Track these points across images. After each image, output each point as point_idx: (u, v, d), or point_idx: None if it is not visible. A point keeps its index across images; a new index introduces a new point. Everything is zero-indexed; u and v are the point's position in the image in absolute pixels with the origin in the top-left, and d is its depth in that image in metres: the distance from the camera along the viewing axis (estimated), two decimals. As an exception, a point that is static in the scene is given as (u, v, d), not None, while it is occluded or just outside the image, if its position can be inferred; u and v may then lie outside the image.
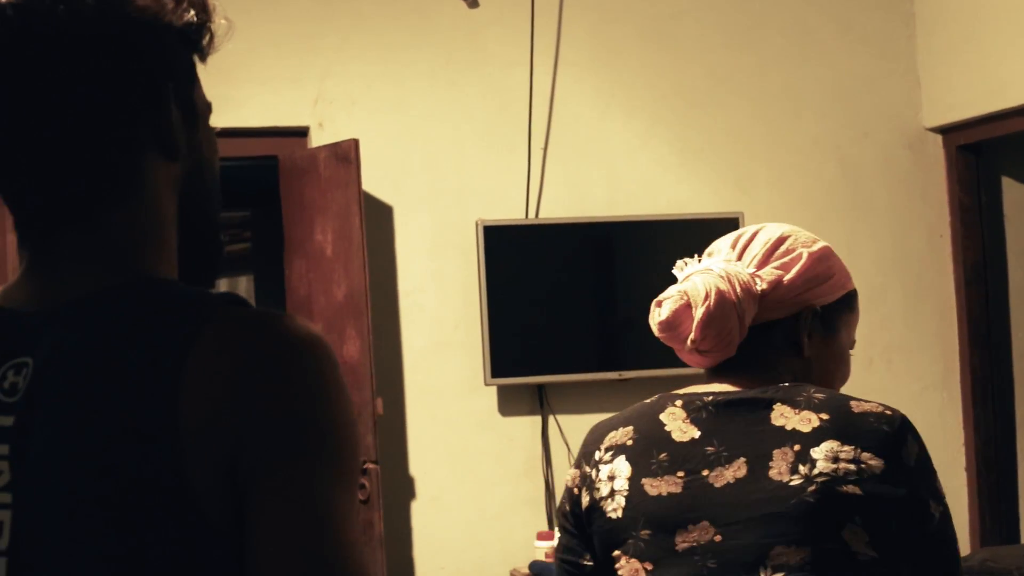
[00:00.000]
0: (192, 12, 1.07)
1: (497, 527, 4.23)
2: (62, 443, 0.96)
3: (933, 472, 1.53)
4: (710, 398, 1.62)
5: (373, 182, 4.19)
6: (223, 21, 1.11)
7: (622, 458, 1.62)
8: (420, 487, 4.23)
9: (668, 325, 1.63)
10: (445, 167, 4.31)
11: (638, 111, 4.48)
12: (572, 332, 4.30)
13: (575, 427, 4.32)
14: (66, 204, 1.05)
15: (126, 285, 1.03)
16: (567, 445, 4.31)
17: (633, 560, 1.58)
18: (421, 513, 4.22)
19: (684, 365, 1.74)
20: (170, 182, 1.09)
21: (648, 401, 1.68)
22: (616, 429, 1.66)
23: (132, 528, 0.94)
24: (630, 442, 1.63)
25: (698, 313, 1.59)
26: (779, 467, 1.51)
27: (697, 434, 1.59)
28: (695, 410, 1.61)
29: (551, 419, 4.31)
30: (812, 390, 1.57)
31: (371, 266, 4.01)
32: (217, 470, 0.94)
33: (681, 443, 1.59)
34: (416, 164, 4.29)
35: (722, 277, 1.61)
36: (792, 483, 1.49)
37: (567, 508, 1.69)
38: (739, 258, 1.66)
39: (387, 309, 4.21)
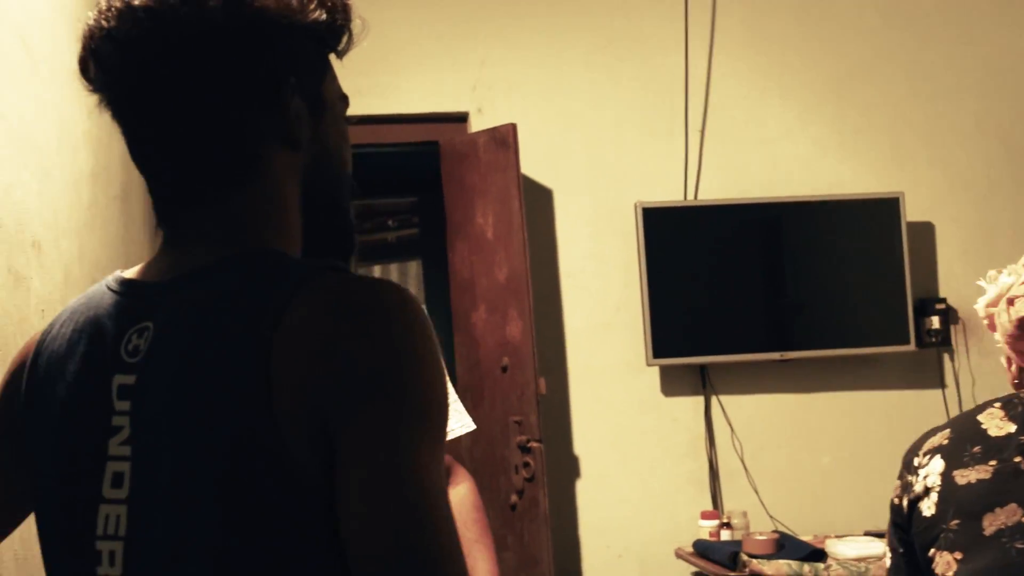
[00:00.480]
0: (320, 11, 1.12)
1: (661, 506, 4.24)
2: (172, 402, 1.04)
3: None
4: None
5: (532, 166, 4.23)
6: (358, 20, 1.16)
7: (937, 457, 1.67)
8: (584, 466, 4.25)
9: None
10: (603, 150, 4.34)
11: (795, 92, 4.45)
12: (734, 312, 4.28)
13: (738, 407, 4.30)
14: (192, 189, 1.13)
15: (239, 255, 1.10)
16: (730, 425, 4.29)
17: (944, 553, 1.60)
18: (586, 491, 4.24)
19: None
20: (292, 169, 1.15)
21: (968, 409, 1.73)
22: (935, 435, 1.72)
23: (234, 483, 1.00)
24: (945, 442, 1.68)
25: None
26: None
27: (1013, 428, 1.63)
28: (1012, 406, 1.66)
29: (714, 399, 4.30)
30: None
31: (531, 248, 4.05)
32: (310, 426, 0.98)
33: (996, 437, 1.63)
34: (574, 147, 4.33)
35: None
36: None
37: (891, 522, 1.75)
38: None
39: (548, 291, 4.25)
